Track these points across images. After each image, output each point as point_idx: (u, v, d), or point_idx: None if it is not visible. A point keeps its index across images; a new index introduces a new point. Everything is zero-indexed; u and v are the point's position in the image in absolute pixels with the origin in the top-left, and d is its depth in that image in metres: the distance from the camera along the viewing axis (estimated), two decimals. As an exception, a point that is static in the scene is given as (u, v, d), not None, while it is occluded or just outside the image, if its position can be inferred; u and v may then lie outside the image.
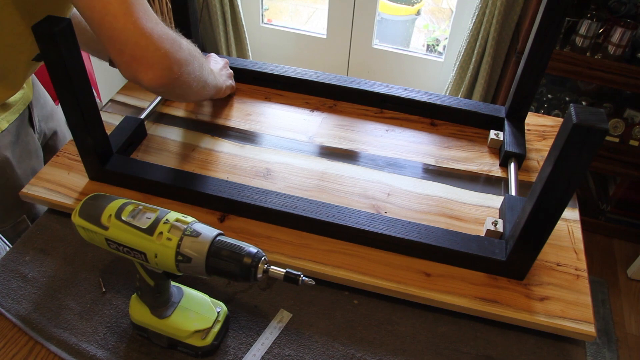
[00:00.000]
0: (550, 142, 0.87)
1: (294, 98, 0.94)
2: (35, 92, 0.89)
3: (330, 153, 0.83)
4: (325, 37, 2.11)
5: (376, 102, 0.92)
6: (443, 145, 0.86)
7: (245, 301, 0.66)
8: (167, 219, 0.52)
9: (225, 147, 0.83)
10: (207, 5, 2.03)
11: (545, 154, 0.85)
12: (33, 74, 0.87)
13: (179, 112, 0.90)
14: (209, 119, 0.89)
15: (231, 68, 0.94)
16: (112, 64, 0.88)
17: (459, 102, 0.89)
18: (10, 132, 0.80)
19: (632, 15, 1.50)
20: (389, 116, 0.91)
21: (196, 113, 0.90)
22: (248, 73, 0.95)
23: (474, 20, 1.71)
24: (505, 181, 0.80)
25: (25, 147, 0.84)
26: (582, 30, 1.49)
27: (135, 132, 0.81)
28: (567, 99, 1.74)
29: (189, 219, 0.53)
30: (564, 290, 0.65)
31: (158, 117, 0.89)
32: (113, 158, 0.75)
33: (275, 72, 0.94)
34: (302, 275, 0.51)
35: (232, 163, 0.80)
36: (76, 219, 0.54)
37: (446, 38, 2.01)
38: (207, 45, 2.20)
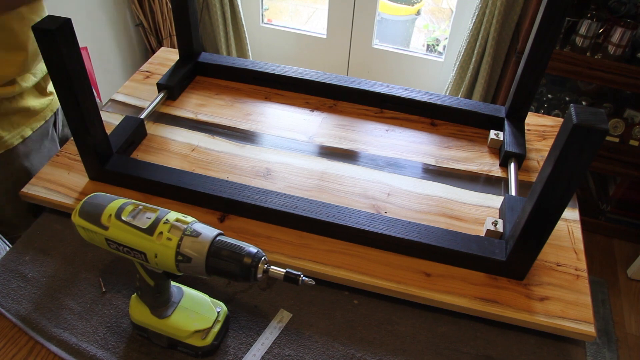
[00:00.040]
0: (550, 142, 0.87)
1: (294, 98, 0.94)
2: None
3: (330, 153, 0.83)
4: (325, 37, 2.11)
5: (376, 102, 0.92)
6: (443, 145, 0.86)
7: (245, 301, 0.66)
8: (167, 219, 0.52)
9: (225, 147, 0.83)
10: (207, 5, 2.03)
11: (545, 154, 0.85)
12: None
13: (179, 112, 0.90)
14: (209, 119, 0.89)
15: (231, 68, 0.94)
16: None
17: (459, 102, 0.89)
18: (32, 140, 0.80)
19: (632, 15, 1.50)
20: (389, 116, 0.91)
21: (196, 113, 0.90)
22: (248, 73, 0.95)
23: (474, 20, 1.71)
24: (505, 181, 0.80)
25: (48, 154, 0.85)
26: (582, 30, 1.49)
27: (135, 132, 0.81)
28: (567, 99, 1.74)
29: (189, 218, 0.53)
30: (564, 290, 0.65)
31: (158, 117, 0.89)
32: (113, 158, 0.75)
33: (276, 72, 0.94)
34: (302, 275, 0.51)
35: (232, 163, 0.80)
36: (76, 218, 0.54)
37: (446, 38, 2.01)
38: (207, 45, 2.20)
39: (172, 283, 0.60)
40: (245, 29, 2.08)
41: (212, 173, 0.78)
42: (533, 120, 0.91)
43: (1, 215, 0.82)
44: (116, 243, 0.53)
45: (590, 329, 0.61)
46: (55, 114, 0.87)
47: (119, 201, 0.54)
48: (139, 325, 0.60)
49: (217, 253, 0.50)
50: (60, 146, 0.91)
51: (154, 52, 2.04)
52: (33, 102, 0.80)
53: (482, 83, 1.80)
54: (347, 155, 0.83)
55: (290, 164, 0.81)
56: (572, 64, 1.48)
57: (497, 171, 0.81)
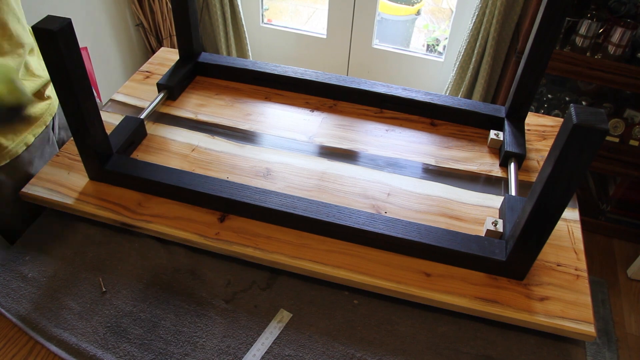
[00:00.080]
0: (550, 142, 0.87)
1: (294, 98, 0.94)
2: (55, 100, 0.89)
3: (330, 153, 0.83)
4: (325, 37, 2.11)
5: (376, 102, 0.92)
6: (443, 145, 0.86)
7: (245, 301, 0.66)
8: None
9: (225, 147, 0.83)
10: (207, 5, 2.03)
11: (545, 154, 0.85)
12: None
13: (179, 112, 0.90)
14: (209, 119, 0.89)
15: (231, 68, 0.94)
16: None
17: (459, 102, 0.89)
18: (35, 147, 0.79)
19: (632, 15, 1.50)
20: (389, 116, 0.91)
21: (196, 113, 0.90)
22: (248, 73, 0.95)
23: (474, 20, 1.71)
24: (505, 181, 0.80)
25: (49, 159, 0.84)
26: (582, 30, 1.49)
27: (135, 132, 0.81)
28: (567, 99, 1.74)
29: None
30: (564, 290, 0.65)
31: (158, 117, 0.89)
32: (113, 158, 0.75)
33: (276, 72, 0.94)
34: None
35: (232, 163, 0.80)
36: None
37: (446, 38, 2.01)
38: (207, 45, 2.20)
39: None
40: (245, 29, 2.08)
41: (212, 173, 0.78)
42: (533, 120, 0.91)
43: (9, 225, 0.81)
44: None
45: (590, 329, 0.61)
46: (53, 117, 0.86)
47: None
48: None
49: None
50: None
51: (154, 52, 2.04)
52: (34, 108, 0.80)
53: (482, 83, 1.80)
54: (347, 155, 0.83)
55: (290, 164, 0.81)
56: (572, 64, 1.48)
57: (497, 171, 0.81)
